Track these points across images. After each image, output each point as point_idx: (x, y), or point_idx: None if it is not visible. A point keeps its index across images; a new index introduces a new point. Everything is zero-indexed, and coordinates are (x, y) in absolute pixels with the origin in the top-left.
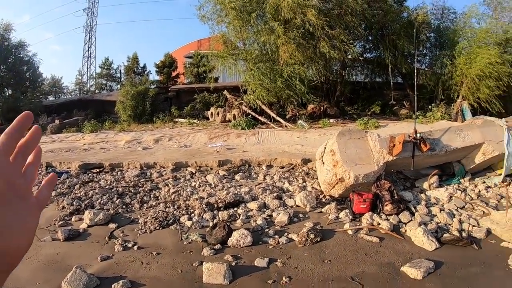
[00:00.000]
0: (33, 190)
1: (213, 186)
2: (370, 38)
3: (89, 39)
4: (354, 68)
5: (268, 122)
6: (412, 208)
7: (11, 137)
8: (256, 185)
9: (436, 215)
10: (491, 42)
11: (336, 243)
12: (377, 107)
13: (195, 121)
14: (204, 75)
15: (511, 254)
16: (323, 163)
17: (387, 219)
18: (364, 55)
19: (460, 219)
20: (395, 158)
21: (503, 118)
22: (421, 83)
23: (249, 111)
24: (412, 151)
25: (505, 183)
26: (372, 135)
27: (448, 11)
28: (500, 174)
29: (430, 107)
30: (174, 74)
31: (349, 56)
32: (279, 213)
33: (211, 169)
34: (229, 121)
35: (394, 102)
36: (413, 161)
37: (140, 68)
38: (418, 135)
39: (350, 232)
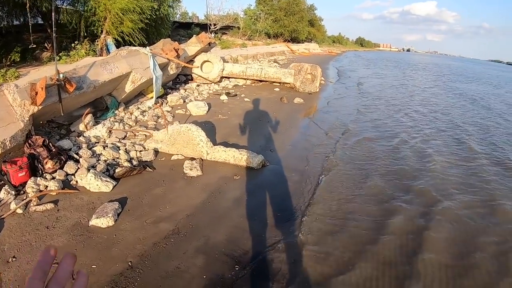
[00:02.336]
0: None
1: None
2: None
3: None
4: None
5: None
6: (75, 156)
7: (33, 281)
8: None
9: (101, 153)
10: None
11: (11, 232)
12: (17, 55)
13: None
14: None
15: (184, 164)
16: None
17: (54, 178)
18: None
19: (126, 149)
20: (41, 107)
21: (147, 47)
22: (63, 22)
23: None
24: (59, 95)
25: (158, 104)
26: (9, 86)
27: None
28: (152, 97)
29: (73, 45)
30: None
31: None
32: None
33: None
34: None
35: (35, 46)
36: (61, 105)
37: None
38: (61, 76)
39: (20, 210)
